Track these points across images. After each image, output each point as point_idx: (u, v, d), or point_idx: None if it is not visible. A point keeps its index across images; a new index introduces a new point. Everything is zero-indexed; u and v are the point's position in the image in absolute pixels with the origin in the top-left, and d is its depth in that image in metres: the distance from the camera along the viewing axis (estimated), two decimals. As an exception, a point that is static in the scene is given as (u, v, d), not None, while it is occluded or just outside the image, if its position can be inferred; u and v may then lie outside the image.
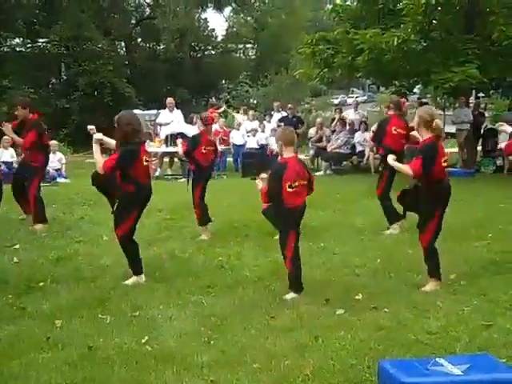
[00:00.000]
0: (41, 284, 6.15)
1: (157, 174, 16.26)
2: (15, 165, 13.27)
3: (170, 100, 16.80)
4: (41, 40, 34.15)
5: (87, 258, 7.27)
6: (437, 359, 3.74)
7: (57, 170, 15.00)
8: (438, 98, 28.20)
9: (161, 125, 16.77)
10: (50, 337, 4.73)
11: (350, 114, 18.70)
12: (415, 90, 22.44)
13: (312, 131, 18.02)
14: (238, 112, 21.15)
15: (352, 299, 5.64)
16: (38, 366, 4.23)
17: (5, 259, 6.96)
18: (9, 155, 14.42)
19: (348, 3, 17.83)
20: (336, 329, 4.88)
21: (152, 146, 14.72)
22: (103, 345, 4.60)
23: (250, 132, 17.89)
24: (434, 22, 14.57)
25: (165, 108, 16.81)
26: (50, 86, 35.78)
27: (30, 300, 5.65)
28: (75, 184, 13.56)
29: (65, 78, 35.46)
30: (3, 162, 14.03)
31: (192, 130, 17.14)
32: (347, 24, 15.73)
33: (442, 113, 28.91)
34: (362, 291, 5.82)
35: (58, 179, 14.70)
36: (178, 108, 16.93)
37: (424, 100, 22.09)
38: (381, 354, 4.33)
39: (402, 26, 13.77)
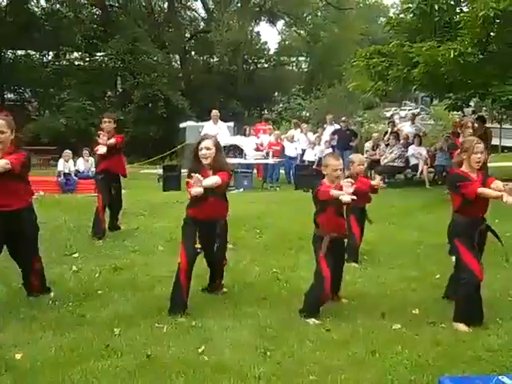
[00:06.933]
0: (99, 292, 6.26)
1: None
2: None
3: (214, 112, 16.85)
4: (98, 54, 34.95)
5: (143, 267, 7.35)
6: (499, 377, 3.66)
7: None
8: (495, 112, 27.77)
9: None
10: (108, 344, 4.79)
11: (406, 127, 18.50)
12: (471, 103, 22.08)
13: (368, 145, 17.95)
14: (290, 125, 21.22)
15: (409, 314, 5.57)
16: (98, 373, 4.29)
17: (65, 268, 7.10)
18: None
19: (402, 16, 17.66)
20: (393, 343, 4.82)
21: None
22: (161, 353, 4.64)
23: (309, 145, 18.01)
24: (491, 34, 14.29)
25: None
26: (106, 99, 36.47)
27: (88, 308, 5.75)
28: (130, 194, 13.74)
29: (120, 90, 36.11)
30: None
31: (245, 142, 17.28)
32: (402, 37, 15.61)
33: (499, 126, 28.48)
34: (418, 306, 5.76)
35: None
36: (230, 120, 17.03)
37: (480, 114, 21.73)
38: (440, 370, 4.26)
39: (458, 38, 13.57)
